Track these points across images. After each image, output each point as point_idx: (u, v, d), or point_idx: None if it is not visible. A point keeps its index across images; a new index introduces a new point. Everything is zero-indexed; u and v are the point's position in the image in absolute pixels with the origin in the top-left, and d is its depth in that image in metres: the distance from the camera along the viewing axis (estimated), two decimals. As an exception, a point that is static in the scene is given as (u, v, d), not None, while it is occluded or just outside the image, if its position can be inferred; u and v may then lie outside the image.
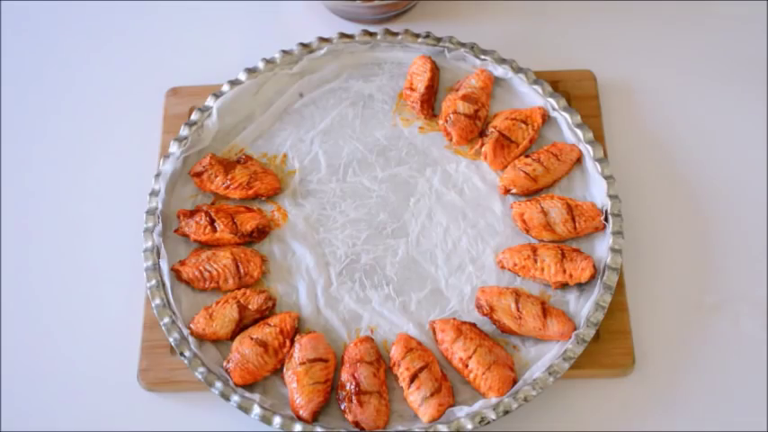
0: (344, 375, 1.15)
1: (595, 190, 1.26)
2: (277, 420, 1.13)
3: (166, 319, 1.19)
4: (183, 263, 1.23)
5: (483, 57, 1.35)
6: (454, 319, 1.19)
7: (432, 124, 1.34)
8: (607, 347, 1.19)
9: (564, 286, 1.21)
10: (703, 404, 1.18)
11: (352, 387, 1.14)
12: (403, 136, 1.34)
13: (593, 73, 1.37)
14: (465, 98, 1.31)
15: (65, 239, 1.32)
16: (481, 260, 1.24)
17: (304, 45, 1.37)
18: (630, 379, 1.19)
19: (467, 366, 1.15)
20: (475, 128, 1.31)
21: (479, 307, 1.20)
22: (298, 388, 1.14)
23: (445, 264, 1.24)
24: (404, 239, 1.26)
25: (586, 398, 1.19)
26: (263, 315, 1.21)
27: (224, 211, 1.26)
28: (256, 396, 1.15)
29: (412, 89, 1.34)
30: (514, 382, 1.15)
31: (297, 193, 1.30)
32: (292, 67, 1.36)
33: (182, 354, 1.17)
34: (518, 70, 1.34)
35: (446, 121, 1.31)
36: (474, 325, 1.18)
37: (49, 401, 1.22)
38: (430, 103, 1.34)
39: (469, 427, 1.12)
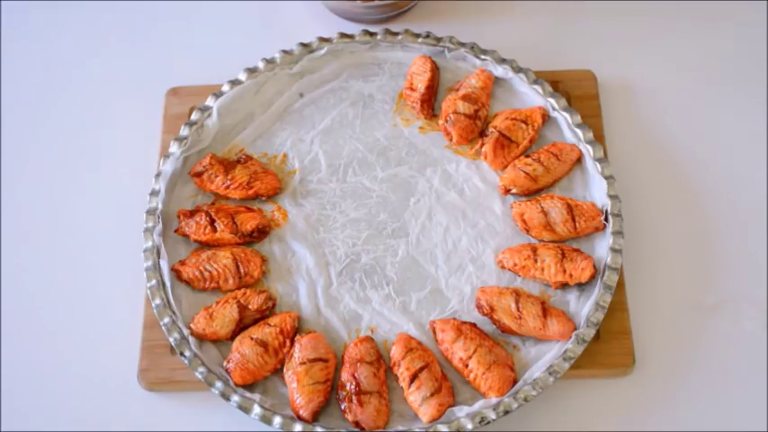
0: (344, 375, 1.15)
1: (595, 190, 1.26)
2: (277, 420, 1.13)
3: (166, 319, 1.19)
4: (183, 263, 1.23)
5: (483, 57, 1.35)
6: (454, 319, 1.19)
7: (432, 124, 1.34)
8: (607, 347, 1.19)
9: (564, 286, 1.21)
10: (703, 404, 1.18)
11: (353, 387, 1.14)
12: (403, 136, 1.34)
13: (594, 73, 1.37)
14: (465, 98, 1.31)
15: (65, 239, 1.32)
16: (481, 260, 1.24)
17: (304, 45, 1.37)
18: (630, 379, 1.19)
19: (467, 366, 1.15)
20: (475, 128, 1.31)
21: (479, 307, 1.20)
22: (298, 388, 1.14)
23: (445, 264, 1.25)
24: (404, 239, 1.26)
25: (586, 398, 1.19)
26: (264, 315, 1.21)
27: (224, 211, 1.26)
28: (256, 396, 1.15)
29: (412, 89, 1.34)
30: (514, 382, 1.15)
31: (297, 193, 1.30)
32: (292, 67, 1.36)
33: (182, 354, 1.17)
34: (518, 70, 1.34)
35: (446, 121, 1.31)
36: (474, 325, 1.18)
37: (49, 401, 1.22)
38: (430, 103, 1.34)
39: (469, 426, 1.12)
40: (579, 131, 1.29)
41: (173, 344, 1.18)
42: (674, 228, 1.28)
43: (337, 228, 1.27)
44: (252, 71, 1.34)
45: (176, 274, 1.23)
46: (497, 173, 1.30)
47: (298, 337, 1.17)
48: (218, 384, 1.15)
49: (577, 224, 1.23)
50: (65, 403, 1.21)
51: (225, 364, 1.17)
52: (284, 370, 1.16)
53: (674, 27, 1.45)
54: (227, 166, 1.29)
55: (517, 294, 1.19)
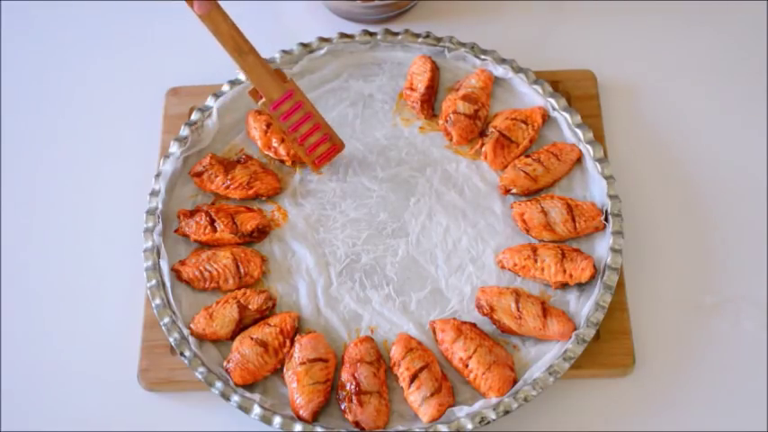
0: (344, 375, 1.15)
1: (595, 190, 1.26)
2: (277, 420, 1.13)
3: (166, 319, 1.19)
4: (183, 263, 1.23)
5: (483, 57, 1.35)
6: (454, 319, 1.19)
7: (432, 124, 1.34)
8: (607, 347, 1.19)
9: (564, 286, 1.21)
10: (703, 404, 1.18)
11: (353, 387, 1.14)
12: (403, 136, 1.34)
13: (594, 73, 1.37)
14: (465, 98, 1.31)
15: (65, 239, 1.31)
16: (481, 260, 1.24)
17: (304, 45, 1.37)
18: (630, 379, 1.19)
19: (467, 366, 1.15)
20: (475, 128, 1.31)
21: (479, 307, 1.20)
22: (298, 388, 1.14)
23: (445, 264, 1.24)
24: (404, 239, 1.26)
25: (586, 398, 1.19)
26: (264, 315, 1.21)
27: (224, 211, 1.26)
28: (256, 396, 1.15)
29: (412, 89, 1.34)
30: (514, 382, 1.15)
31: (297, 193, 1.30)
32: (292, 67, 1.36)
33: (182, 354, 1.17)
34: (518, 70, 1.34)
35: (446, 121, 1.31)
36: (474, 325, 1.18)
37: (49, 401, 1.22)
38: (430, 103, 1.34)
39: (469, 427, 1.12)
40: (579, 131, 1.29)
41: (173, 344, 1.18)
42: (674, 228, 1.28)
43: (337, 228, 1.27)
44: (252, 71, 1.34)
45: (176, 274, 1.23)
46: (497, 173, 1.30)
47: (298, 337, 1.17)
48: (218, 384, 1.15)
49: (577, 224, 1.23)
50: (65, 403, 1.21)
51: (225, 364, 1.17)
52: (284, 370, 1.16)
53: (674, 27, 1.45)
54: (227, 166, 1.29)
55: (517, 294, 1.19)
